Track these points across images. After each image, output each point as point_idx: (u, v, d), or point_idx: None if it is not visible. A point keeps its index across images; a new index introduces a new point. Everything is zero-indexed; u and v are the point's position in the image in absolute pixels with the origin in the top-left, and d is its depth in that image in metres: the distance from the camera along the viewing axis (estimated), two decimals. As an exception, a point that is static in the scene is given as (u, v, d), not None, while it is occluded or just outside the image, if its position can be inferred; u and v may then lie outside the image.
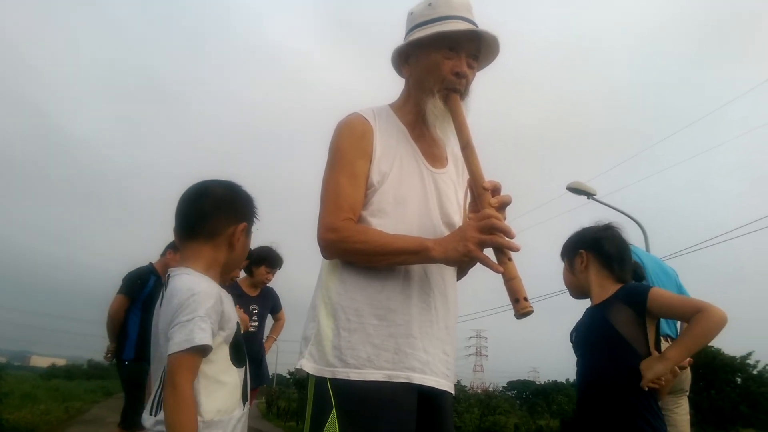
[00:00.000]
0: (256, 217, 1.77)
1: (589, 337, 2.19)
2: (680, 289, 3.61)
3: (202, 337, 1.43)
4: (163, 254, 4.99)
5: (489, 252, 1.52)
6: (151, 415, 1.50)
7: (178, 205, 1.68)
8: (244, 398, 1.60)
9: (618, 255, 2.17)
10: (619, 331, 2.04)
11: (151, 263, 5.00)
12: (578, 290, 2.28)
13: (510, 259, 1.50)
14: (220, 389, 1.52)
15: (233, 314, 1.61)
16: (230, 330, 1.58)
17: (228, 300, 1.61)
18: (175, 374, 1.40)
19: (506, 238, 1.49)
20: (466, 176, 1.72)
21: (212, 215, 1.64)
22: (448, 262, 1.56)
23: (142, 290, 4.79)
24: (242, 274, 4.93)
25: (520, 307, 1.43)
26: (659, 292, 2.03)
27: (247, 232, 1.72)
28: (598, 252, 2.20)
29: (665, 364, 1.95)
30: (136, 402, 4.59)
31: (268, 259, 4.87)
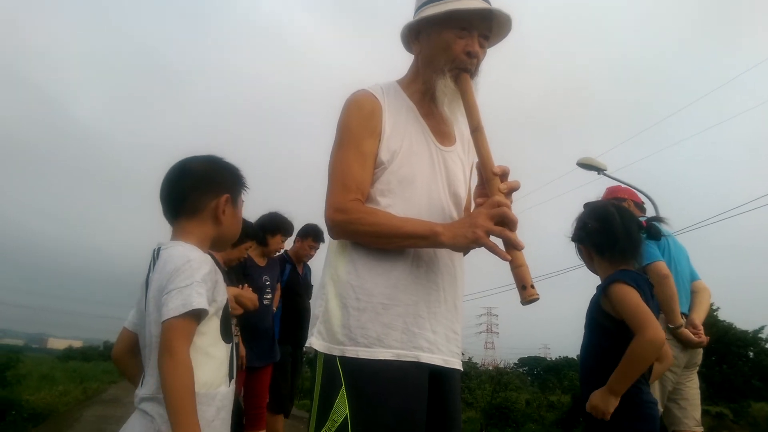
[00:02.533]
0: (243, 187, 1.76)
1: (587, 315, 2.29)
2: (690, 270, 3.61)
3: (200, 302, 1.43)
4: (294, 242, 5.04)
5: (497, 238, 1.53)
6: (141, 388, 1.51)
7: (161, 188, 1.68)
8: (231, 375, 1.60)
9: (607, 241, 2.23)
10: (596, 315, 2.17)
11: (286, 251, 5.01)
12: (597, 274, 2.37)
13: None
14: (208, 362, 1.51)
15: (224, 287, 1.62)
16: (221, 303, 1.58)
17: (220, 273, 1.61)
18: (171, 340, 1.39)
19: (513, 233, 1.49)
20: (472, 154, 1.72)
21: (191, 193, 1.64)
22: (456, 248, 1.56)
23: (280, 277, 4.83)
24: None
25: (527, 294, 1.45)
26: (618, 291, 2.07)
27: (234, 203, 1.72)
28: (590, 246, 2.30)
29: (613, 400, 1.98)
30: (280, 384, 4.70)
31: (283, 228, 4.64)
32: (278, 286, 4.84)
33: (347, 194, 1.60)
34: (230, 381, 1.59)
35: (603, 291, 2.14)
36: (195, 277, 1.46)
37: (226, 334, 1.59)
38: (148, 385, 1.49)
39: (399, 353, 1.56)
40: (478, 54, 1.70)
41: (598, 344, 2.15)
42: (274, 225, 4.58)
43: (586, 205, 2.55)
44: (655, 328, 1.97)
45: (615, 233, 2.20)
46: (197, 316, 1.45)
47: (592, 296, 2.25)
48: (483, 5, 1.66)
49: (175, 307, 1.41)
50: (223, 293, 1.60)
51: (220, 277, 1.59)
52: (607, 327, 2.09)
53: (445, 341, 1.65)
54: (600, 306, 2.15)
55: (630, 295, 2.04)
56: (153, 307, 1.49)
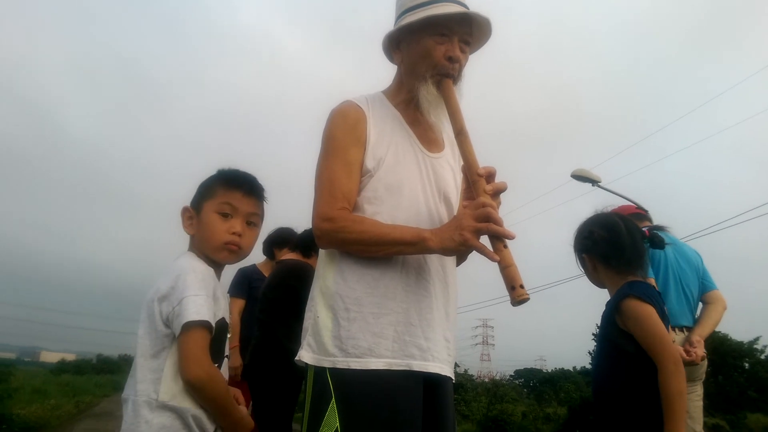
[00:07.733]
0: (211, 195, 1.68)
1: (599, 332, 2.24)
2: (704, 274, 3.49)
3: (205, 313, 1.47)
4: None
5: (485, 240, 1.51)
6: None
7: None
8: None
9: (614, 251, 2.16)
10: (611, 335, 2.09)
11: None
12: (599, 285, 2.32)
13: (506, 247, 1.49)
14: None
15: (223, 303, 1.63)
16: (216, 319, 1.56)
17: (221, 290, 1.63)
18: (196, 350, 1.45)
19: (502, 227, 1.48)
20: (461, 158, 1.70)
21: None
22: (445, 252, 1.55)
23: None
24: (262, 257, 4.75)
25: (517, 294, 1.43)
26: (633, 308, 1.99)
27: (196, 216, 1.68)
28: (596, 255, 2.22)
29: None
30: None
31: (292, 241, 4.49)
32: None
33: (334, 203, 1.59)
34: None
35: (616, 307, 2.06)
36: (204, 290, 1.51)
37: (215, 353, 1.56)
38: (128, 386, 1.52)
39: (391, 362, 1.54)
40: (460, 59, 1.70)
41: (617, 365, 2.05)
42: (280, 238, 4.60)
43: (590, 216, 2.48)
44: (674, 352, 1.90)
45: (622, 243, 2.16)
46: (209, 326, 1.48)
47: (603, 312, 2.17)
48: (460, 9, 1.66)
49: (195, 311, 1.45)
50: (221, 310, 1.60)
51: (219, 291, 1.61)
52: (624, 345, 2.01)
53: (437, 348, 1.63)
54: (615, 323, 2.06)
55: (646, 315, 1.96)
56: (149, 312, 1.51)
